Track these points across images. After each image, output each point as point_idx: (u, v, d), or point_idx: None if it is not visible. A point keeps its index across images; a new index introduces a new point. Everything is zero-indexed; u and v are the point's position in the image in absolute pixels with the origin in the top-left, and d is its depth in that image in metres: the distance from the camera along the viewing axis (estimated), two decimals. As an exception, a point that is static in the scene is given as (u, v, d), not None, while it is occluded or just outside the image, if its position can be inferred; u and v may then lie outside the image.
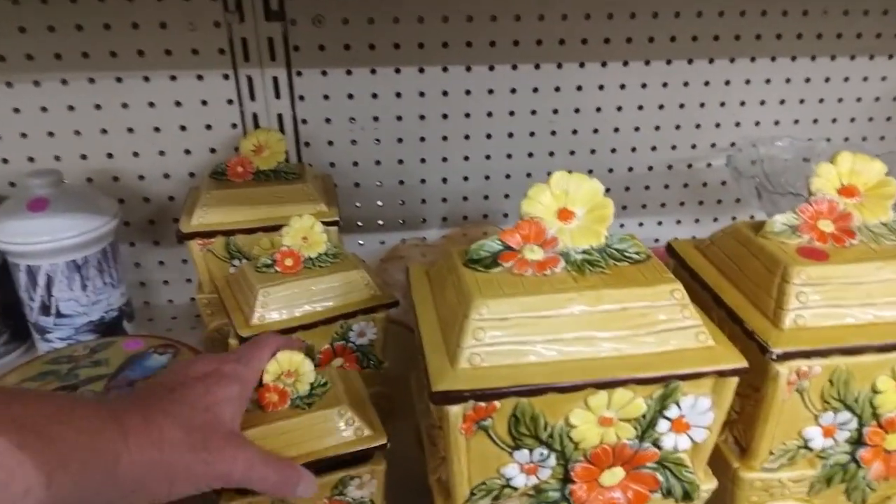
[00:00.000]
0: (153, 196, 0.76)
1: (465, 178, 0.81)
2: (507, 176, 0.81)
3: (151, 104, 0.71)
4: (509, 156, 0.80)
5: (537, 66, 0.76)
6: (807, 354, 0.39)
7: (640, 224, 0.86)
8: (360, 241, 0.83)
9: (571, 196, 0.43)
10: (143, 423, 0.36)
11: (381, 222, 0.83)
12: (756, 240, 0.44)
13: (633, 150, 0.82)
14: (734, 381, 0.38)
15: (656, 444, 0.40)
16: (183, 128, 0.73)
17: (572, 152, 0.81)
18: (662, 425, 0.39)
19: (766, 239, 0.44)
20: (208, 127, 0.73)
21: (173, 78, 0.71)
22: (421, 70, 0.74)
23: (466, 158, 0.80)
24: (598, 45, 0.75)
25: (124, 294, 0.70)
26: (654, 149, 0.82)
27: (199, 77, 0.71)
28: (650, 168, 0.83)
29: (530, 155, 0.81)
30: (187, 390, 0.39)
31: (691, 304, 0.39)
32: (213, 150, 0.75)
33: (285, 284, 0.54)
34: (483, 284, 0.39)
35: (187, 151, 0.74)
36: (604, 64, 0.77)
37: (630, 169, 0.83)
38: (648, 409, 0.38)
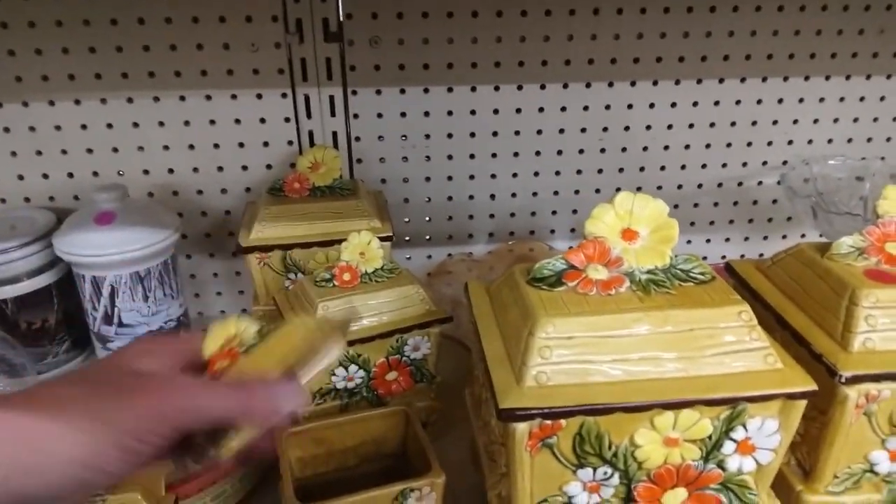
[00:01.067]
0: (210, 210, 0.78)
1: (513, 195, 0.82)
2: (555, 193, 0.82)
3: (212, 122, 0.74)
4: (558, 173, 0.81)
5: (588, 85, 0.76)
6: (876, 378, 0.39)
7: (689, 242, 0.86)
8: (408, 256, 0.84)
9: (636, 216, 0.43)
10: (27, 393, 0.31)
11: (428, 237, 0.83)
12: (822, 262, 0.44)
13: (683, 167, 0.82)
14: (802, 404, 0.38)
15: (721, 465, 0.40)
16: (241, 144, 0.75)
17: (621, 170, 0.81)
18: (728, 447, 0.39)
19: (833, 261, 0.44)
20: (265, 144, 0.75)
21: (234, 97, 0.73)
22: (473, 89, 0.75)
23: (515, 175, 0.81)
24: (650, 63, 0.75)
25: (182, 305, 0.72)
26: (704, 167, 0.82)
27: (259, 96, 0.73)
28: (700, 186, 0.83)
29: (579, 172, 0.81)
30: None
31: (759, 326, 0.39)
32: (269, 167, 0.76)
33: (344, 298, 0.55)
34: (548, 303, 0.40)
35: (244, 167, 0.76)
36: (655, 83, 0.77)
37: (679, 187, 0.83)
38: (714, 430, 0.38)
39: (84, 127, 0.73)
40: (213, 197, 0.77)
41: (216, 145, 0.75)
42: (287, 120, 0.75)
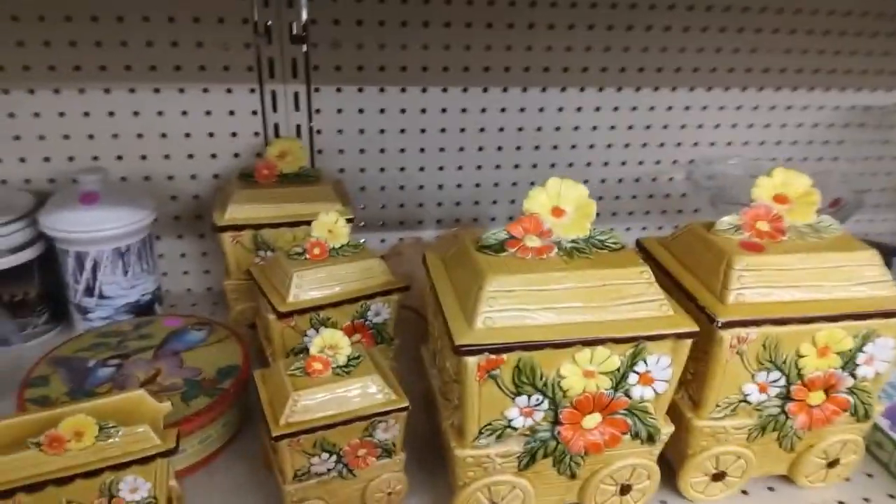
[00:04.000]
0: (180, 195, 0.84)
1: (459, 186, 0.91)
2: (496, 184, 0.92)
3: (184, 113, 0.80)
4: (498, 167, 0.91)
5: (524, 90, 0.87)
6: (745, 323, 0.50)
7: (611, 230, 0.97)
8: (363, 239, 0.92)
9: (563, 197, 0.53)
10: None
11: (382, 223, 0.92)
12: (708, 235, 0.55)
13: (606, 164, 0.93)
14: (688, 342, 0.49)
15: (627, 394, 0.50)
16: (211, 134, 0.82)
17: (553, 165, 0.92)
18: (632, 378, 0.49)
19: (716, 235, 0.55)
20: (234, 134, 0.82)
21: (205, 90, 0.79)
22: (424, 90, 0.84)
23: (460, 168, 0.90)
24: (577, 72, 0.86)
25: (157, 280, 0.78)
26: (623, 163, 0.94)
27: (229, 90, 0.80)
28: (620, 180, 0.95)
29: (516, 166, 0.91)
30: None
31: (656, 283, 0.50)
32: (236, 155, 0.83)
33: (316, 269, 0.63)
34: (493, 264, 0.49)
35: (213, 156, 0.83)
36: (582, 89, 0.88)
37: (602, 181, 0.94)
38: (622, 364, 0.49)
39: (62, 115, 0.78)
40: (184, 182, 0.84)
41: (187, 135, 0.81)
42: (254, 113, 0.82)
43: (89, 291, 0.73)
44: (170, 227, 0.86)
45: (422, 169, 0.89)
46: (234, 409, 0.61)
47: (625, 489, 0.54)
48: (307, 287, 0.62)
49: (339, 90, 0.83)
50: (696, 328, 0.48)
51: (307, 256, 0.64)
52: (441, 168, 0.90)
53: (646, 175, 0.95)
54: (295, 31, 0.79)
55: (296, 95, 0.82)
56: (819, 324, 0.51)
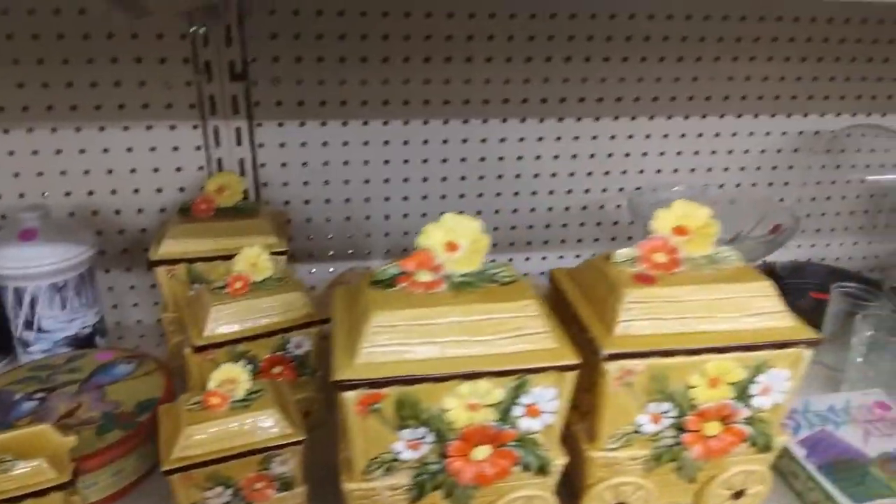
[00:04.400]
0: (127, 228, 0.86)
1: (405, 216, 0.93)
2: (442, 213, 0.93)
3: (129, 149, 0.83)
4: (443, 197, 0.92)
5: (466, 121, 0.88)
6: (630, 356, 0.50)
7: (561, 257, 0.98)
8: (312, 270, 0.94)
9: (458, 232, 0.54)
10: None
11: (331, 253, 0.94)
12: (604, 267, 0.56)
13: (551, 192, 0.94)
14: (573, 374, 0.49)
15: (514, 425, 0.50)
16: (156, 170, 0.84)
17: (498, 194, 0.93)
18: (518, 410, 0.50)
19: (613, 267, 0.56)
20: (178, 169, 0.85)
21: (149, 127, 0.82)
22: (365, 123, 0.86)
23: (405, 198, 0.92)
24: (517, 104, 0.88)
25: (98, 313, 0.80)
26: (569, 192, 0.94)
27: (172, 127, 0.82)
28: (567, 209, 0.95)
29: (461, 196, 0.93)
30: None
31: (543, 316, 0.50)
32: (181, 189, 0.86)
33: (234, 303, 0.64)
34: (381, 300, 0.50)
35: (159, 190, 0.85)
36: (523, 120, 0.89)
37: (549, 209, 0.95)
38: (506, 397, 0.49)
39: (11, 153, 0.81)
40: (130, 216, 0.86)
41: (133, 170, 0.84)
42: (198, 148, 0.84)
43: (29, 325, 0.75)
44: (118, 260, 0.88)
45: (367, 200, 0.91)
46: (151, 442, 0.62)
47: (520, 521, 0.54)
48: (224, 321, 0.63)
49: (280, 125, 0.85)
50: (577, 360, 0.49)
51: (228, 290, 0.66)
52: (387, 199, 0.91)
53: (593, 203, 0.96)
54: (235, 70, 0.81)
55: (238, 131, 0.84)
56: (706, 355, 0.51)
